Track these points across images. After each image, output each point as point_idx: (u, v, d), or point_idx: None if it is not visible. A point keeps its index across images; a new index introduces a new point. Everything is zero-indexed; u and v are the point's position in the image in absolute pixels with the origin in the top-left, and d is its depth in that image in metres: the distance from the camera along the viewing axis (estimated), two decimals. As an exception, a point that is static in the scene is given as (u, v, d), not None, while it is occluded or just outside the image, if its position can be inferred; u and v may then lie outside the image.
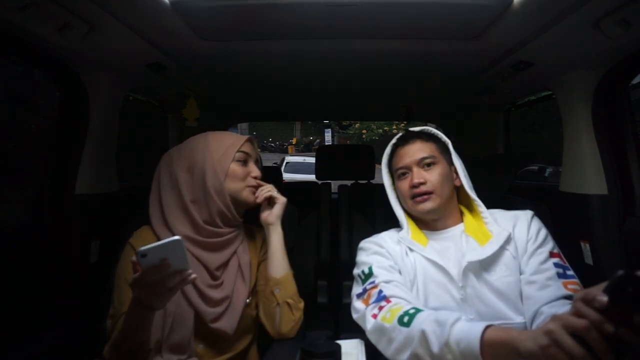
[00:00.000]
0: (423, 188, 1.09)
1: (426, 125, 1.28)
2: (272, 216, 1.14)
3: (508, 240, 1.04)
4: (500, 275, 1.02)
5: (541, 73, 1.44)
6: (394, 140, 1.21)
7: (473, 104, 2.01)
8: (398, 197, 1.19)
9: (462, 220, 1.14)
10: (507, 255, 1.03)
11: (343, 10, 1.08)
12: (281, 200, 1.16)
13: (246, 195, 1.12)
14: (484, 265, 1.02)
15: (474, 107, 2.15)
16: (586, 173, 1.36)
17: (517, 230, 1.07)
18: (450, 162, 1.16)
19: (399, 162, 1.15)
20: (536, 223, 1.09)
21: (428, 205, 1.09)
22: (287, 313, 1.06)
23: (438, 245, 1.09)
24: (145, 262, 0.78)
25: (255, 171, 1.14)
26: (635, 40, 1.09)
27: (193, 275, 0.82)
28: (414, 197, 1.10)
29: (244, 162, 1.13)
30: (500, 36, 1.21)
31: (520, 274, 1.03)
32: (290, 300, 1.07)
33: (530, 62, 1.36)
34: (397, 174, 1.16)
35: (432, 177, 1.10)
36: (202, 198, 1.08)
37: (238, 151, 1.11)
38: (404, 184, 1.12)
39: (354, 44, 1.31)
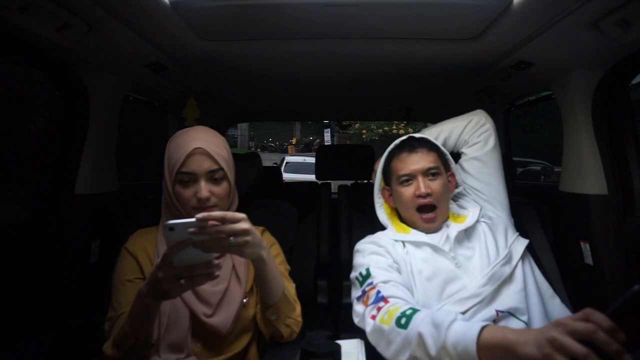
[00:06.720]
0: (429, 199, 1.11)
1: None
2: (248, 255, 0.87)
3: (482, 214, 1.16)
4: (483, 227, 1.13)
5: (541, 73, 1.44)
6: (397, 144, 1.21)
7: (473, 104, 2.00)
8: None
9: (449, 216, 1.18)
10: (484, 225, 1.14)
11: (343, 10, 1.08)
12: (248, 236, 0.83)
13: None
14: (468, 232, 1.13)
15: (474, 107, 2.15)
16: (586, 173, 1.36)
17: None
18: (447, 170, 1.20)
19: (403, 168, 1.15)
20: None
21: (436, 225, 1.13)
22: (287, 333, 1.04)
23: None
24: (173, 237, 0.76)
25: (201, 191, 0.99)
26: (635, 40, 1.08)
27: (217, 272, 0.80)
28: (419, 208, 1.12)
29: (186, 183, 1.01)
30: (500, 36, 1.20)
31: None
32: (289, 320, 1.04)
33: (530, 62, 1.36)
34: (398, 180, 1.16)
35: (436, 188, 1.12)
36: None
37: (178, 172, 1.00)
38: (408, 191, 1.14)
39: (354, 44, 1.31)
